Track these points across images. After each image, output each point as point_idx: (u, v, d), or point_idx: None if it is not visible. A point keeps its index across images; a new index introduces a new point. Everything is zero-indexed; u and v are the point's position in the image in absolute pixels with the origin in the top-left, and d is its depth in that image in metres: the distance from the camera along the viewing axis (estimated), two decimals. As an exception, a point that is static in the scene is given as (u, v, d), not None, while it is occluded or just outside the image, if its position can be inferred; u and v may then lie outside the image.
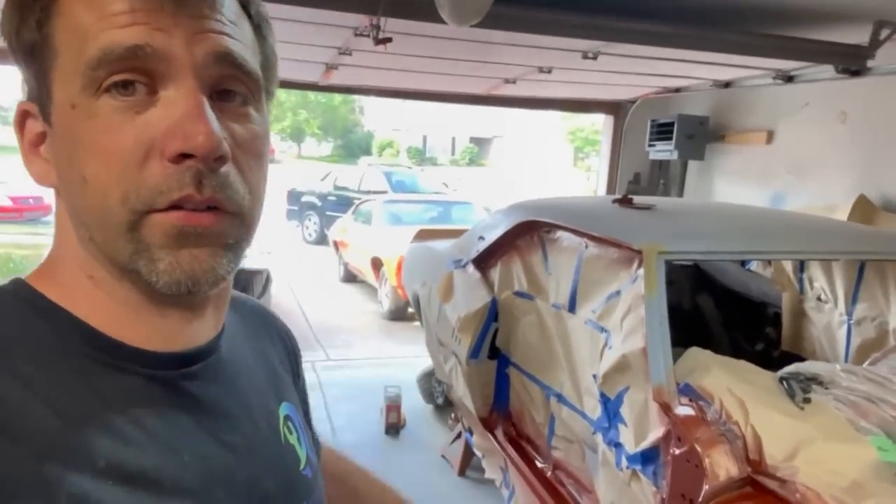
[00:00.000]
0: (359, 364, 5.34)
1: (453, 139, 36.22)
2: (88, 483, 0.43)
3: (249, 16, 0.52)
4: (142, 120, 0.45)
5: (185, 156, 0.45)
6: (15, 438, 0.42)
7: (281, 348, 0.72)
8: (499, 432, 2.75)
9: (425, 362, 4.10)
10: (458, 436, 3.55)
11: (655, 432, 1.73)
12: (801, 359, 2.97)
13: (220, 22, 0.48)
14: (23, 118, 0.50)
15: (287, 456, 0.61)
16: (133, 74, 0.45)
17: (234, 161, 0.48)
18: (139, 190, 0.45)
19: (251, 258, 5.71)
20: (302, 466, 0.62)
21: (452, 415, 3.89)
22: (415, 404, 4.25)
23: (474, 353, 2.61)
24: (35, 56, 0.47)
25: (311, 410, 0.76)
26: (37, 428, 0.43)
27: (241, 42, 0.49)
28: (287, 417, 0.63)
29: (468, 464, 3.48)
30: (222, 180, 0.46)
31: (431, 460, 3.68)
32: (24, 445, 0.42)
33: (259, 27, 0.53)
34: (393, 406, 3.95)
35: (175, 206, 0.45)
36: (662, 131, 4.93)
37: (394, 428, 3.95)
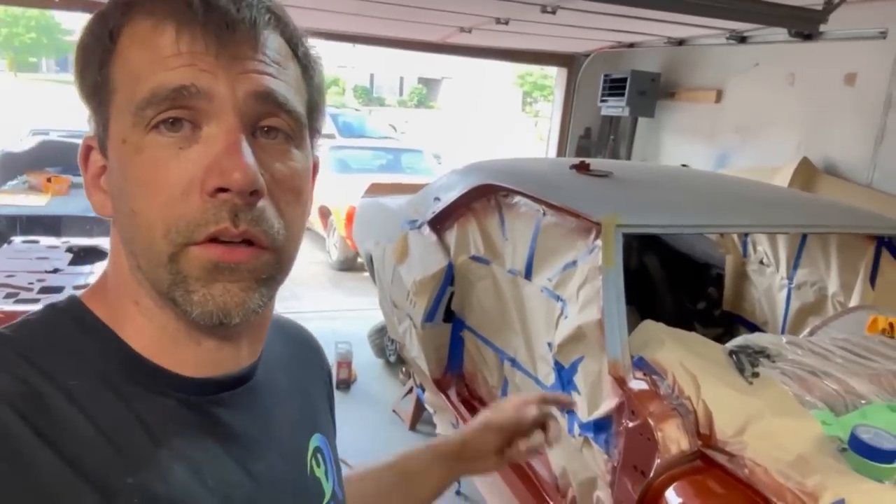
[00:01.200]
0: (308, 317, 5.27)
1: (401, 79, 35.43)
2: (115, 498, 0.44)
3: (297, 56, 0.54)
4: (185, 156, 0.48)
5: (221, 190, 0.47)
6: (55, 449, 0.44)
7: (319, 374, 0.74)
8: (451, 392, 2.78)
9: (376, 316, 4.08)
10: (410, 391, 3.58)
11: (608, 402, 1.76)
12: (741, 319, 3.11)
13: (263, 62, 0.50)
14: (87, 152, 0.54)
15: (312, 489, 0.62)
16: (179, 112, 0.47)
17: (271, 197, 0.50)
18: (179, 223, 0.47)
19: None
20: (325, 501, 0.63)
21: (403, 370, 3.91)
22: (366, 359, 4.25)
23: (429, 316, 2.60)
24: (96, 94, 0.51)
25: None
26: (76, 441, 0.45)
27: (283, 81, 0.51)
28: (317, 449, 0.65)
29: (419, 419, 3.53)
30: (258, 215, 0.48)
31: (383, 415, 3.71)
32: (62, 457, 0.44)
33: (306, 68, 0.55)
34: (344, 362, 3.94)
35: (213, 240, 0.48)
36: (615, 87, 4.92)
37: (344, 383, 3.95)
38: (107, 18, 0.50)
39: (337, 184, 6.92)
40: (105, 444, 0.46)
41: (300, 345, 0.72)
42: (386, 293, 3.05)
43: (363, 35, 5.21)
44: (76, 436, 0.45)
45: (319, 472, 0.64)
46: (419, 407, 3.42)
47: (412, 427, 3.54)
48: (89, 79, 0.51)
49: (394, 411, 3.71)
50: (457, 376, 2.75)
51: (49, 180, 4.99)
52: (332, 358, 4.00)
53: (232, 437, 0.54)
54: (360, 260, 5.58)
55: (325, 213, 7.02)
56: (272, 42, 0.51)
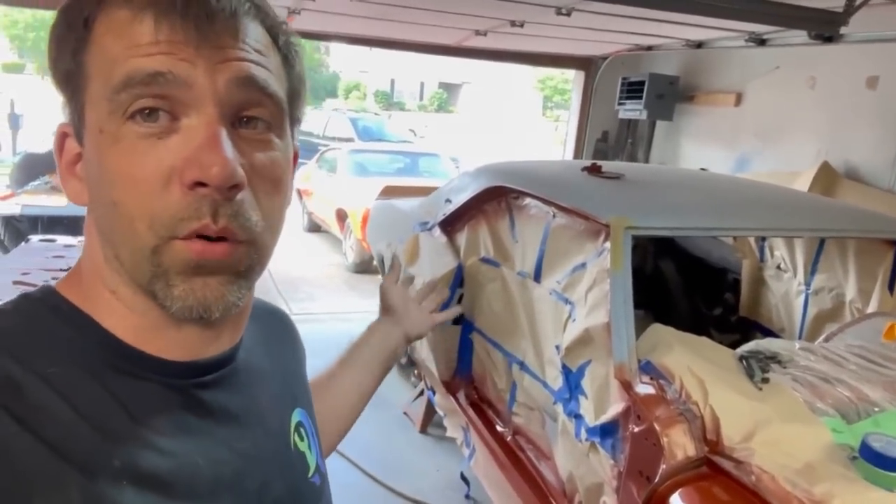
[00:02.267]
0: (322, 318, 5.29)
1: (422, 84, 35.52)
2: (103, 483, 0.44)
3: (278, 45, 0.54)
4: (163, 146, 0.47)
5: (200, 184, 0.46)
6: (37, 435, 0.43)
7: (294, 350, 0.76)
8: (461, 395, 2.76)
9: (389, 319, 4.08)
10: (421, 393, 3.57)
11: (615, 408, 1.74)
12: (758, 325, 3.05)
13: (244, 51, 0.49)
14: (62, 139, 0.53)
15: (297, 463, 0.63)
16: (155, 101, 0.47)
17: (251, 187, 0.50)
18: (162, 216, 0.47)
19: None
20: (311, 474, 0.65)
21: (415, 372, 3.90)
22: (378, 361, 4.24)
23: (438, 318, 2.58)
24: (70, 82, 0.50)
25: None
26: (57, 426, 0.45)
27: (264, 68, 0.51)
28: (299, 424, 0.66)
29: (430, 421, 3.51)
30: (236, 209, 0.48)
31: (393, 417, 3.70)
32: (44, 442, 0.43)
33: (287, 56, 0.55)
34: (356, 364, 3.93)
35: (195, 235, 0.48)
36: (633, 90, 4.88)
37: (356, 385, 3.94)
38: (81, 5, 0.49)
39: (354, 187, 6.95)
40: (88, 429, 0.46)
41: (274, 323, 0.73)
42: (397, 295, 3.04)
43: (381, 39, 5.23)
44: (57, 421, 0.45)
45: (303, 446, 0.65)
46: (430, 409, 3.41)
47: (422, 430, 3.53)
48: (62, 66, 0.50)
49: (405, 414, 3.70)
50: (466, 379, 2.73)
51: (70, 181, 5.07)
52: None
53: (216, 417, 0.55)
54: (375, 263, 5.59)
55: (341, 216, 7.04)
56: (252, 31, 0.50)
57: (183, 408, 0.52)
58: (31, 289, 0.54)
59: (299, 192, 8.74)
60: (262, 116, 0.51)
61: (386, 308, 1.19)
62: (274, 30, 0.53)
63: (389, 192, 3.92)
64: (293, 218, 8.87)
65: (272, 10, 0.54)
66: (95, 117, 0.48)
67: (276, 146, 0.52)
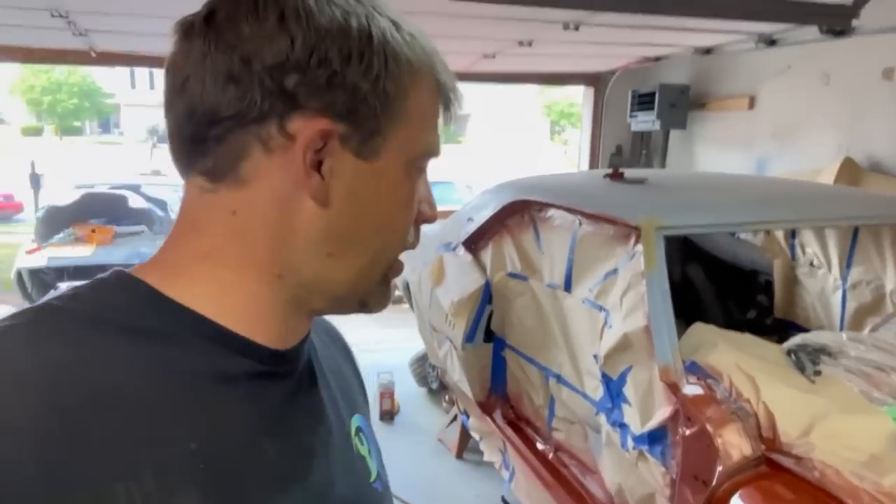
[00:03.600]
0: (348, 351, 5.26)
1: (428, 117, 35.84)
2: (177, 465, 0.44)
3: None
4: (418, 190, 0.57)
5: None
6: (119, 418, 0.43)
7: (350, 365, 0.74)
8: (497, 415, 2.71)
9: (417, 346, 4.05)
10: (454, 419, 3.51)
11: (662, 412, 1.69)
12: (795, 325, 2.97)
13: None
14: (325, 135, 0.49)
15: (359, 466, 0.62)
16: None
17: None
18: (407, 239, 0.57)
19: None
20: (373, 479, 0.64)
21: (447, 397, 3.85)
22: (408, 389, 4.20)
23: (469, 337, 2.55)
24: (385, 100, 0.50)
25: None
26: (139, 407, 0.45)
27: None
28: (359, 429, 0.65)
29: (465, 446, 3.45)
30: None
31: (428, 444, 3.64)
32: (125, 425, 0.43)
33: None
34: (386, 392, 3.90)
35: None
36: (643, 102, 4.86)
37: (388, 414, 3.90)
38: (423, 50, 0.54)
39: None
40: (167, 408, 0.46)
41: (326, 332, 0.72)
42: (424, 318, 3.02)
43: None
44: (139, 402, 0.45)
45: (364, 451, 0.64)
46: (465, 434, 3.35)
47: (459, 455, 3.46)
48: (387, 83, 0.50)
49: (439, 440, 3.64)
50: (501, 398, 2.68)
51: (93, 231, 5.15)
52: (374, 389, 3.96)
53: (289, 408, 0.54)
54: (397, 293, 5.58)
55: (360, 249, 7.06)
56: None
57: (262, 394, 0.52)
58: None
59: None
60: None
61: None
62: None
63: (409, 218, 3.92)
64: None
65: None
66: (403, 152, 0.53)
67: None
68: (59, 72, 32.43)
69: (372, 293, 0.56)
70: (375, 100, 0.49)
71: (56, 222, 5.39)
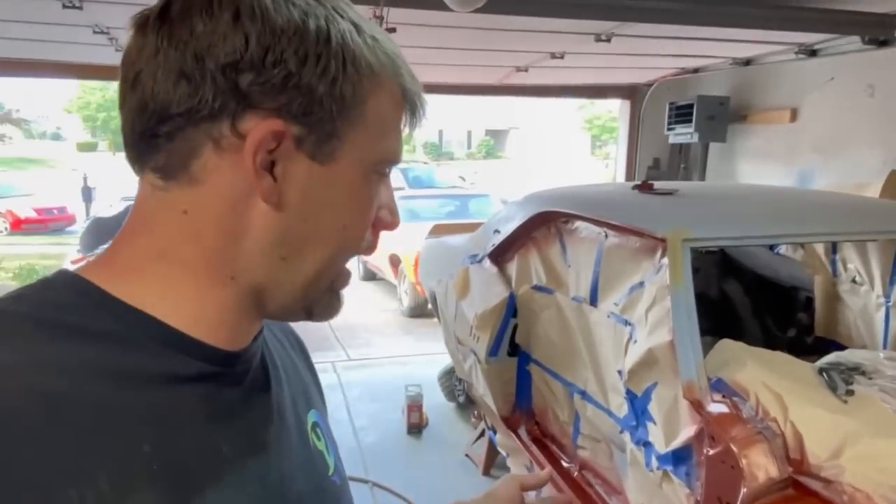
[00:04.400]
0: (379, 363, 5.28)
1: (469, 132, 36.06)
2: (131, 466, 0.44)
3: None
4: (379, 193, 0.56)
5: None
6: (70, 421, 0.43)
7: (299, 352, 0.73)
8: (522, 431, 2.67)
9: (446, 360, 4.03)
10: (482, 434, 3.47)
11: (687, 431, 1.63)
12: (836, 344, 2.85)
13: None
14: (279, 136, 0.48)
15: (316, 460, 0.62)
16: None
17: None
18: (361, 244, 0.56)
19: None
20: (331, 472, 0.64)
21: (475, 412, 3.81)
22: (437, 403, 4.17)
23: (493, 350, 2.52)
24: (342, 105, 0.50)
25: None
26: (89, 408, 0.44)
27: None
28: (315, 424, 0.65)
29: (493, 463, 3.40)
30: None
31: (456, 460, 3.60)
32: (77, 428, 0.43)
33: None
34: (415, 405, 3.88)
35: None
36: (681, 114, 4.78)
37: (416, 428, 3.88)
38: (386, 55, 0.53)
39: (406, 232, 6.98)
40: (120, 411, 0.45)
41: (277, 326, 0.71)
42: (450, 330, 3.00)
43: (423, 84, 5.34)
44: (89, 403, 0.45)
45: (321, 446, 0.64)
46: (492, 450, 3.30)
47: (486, 472, 3.42)
48: (345, 86, 0.49)
49: (466, 455, 3.60)
50: (526, 413, 2.64)
51: (135, 242, 5.28)
52: (402, 402, 3.95)
53: (242, 406, 0.54)
54: (429, 306, 5.58)
55: (395, 262, 7.09)
56: None
57: (213, 395, 0.52)
58: None
59: (354, 242, 8.85)
60: None
61: (491, 497, 0.85)
62: None
63: (439, 230, 3.93)
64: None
65: None
66: (359, 156, 0.53)
67: None
68: (114, 89, 33.63)
69: (319, 301, 0.55)
70: (332, 102, 0.49)
71: (100, 233, 5.57)
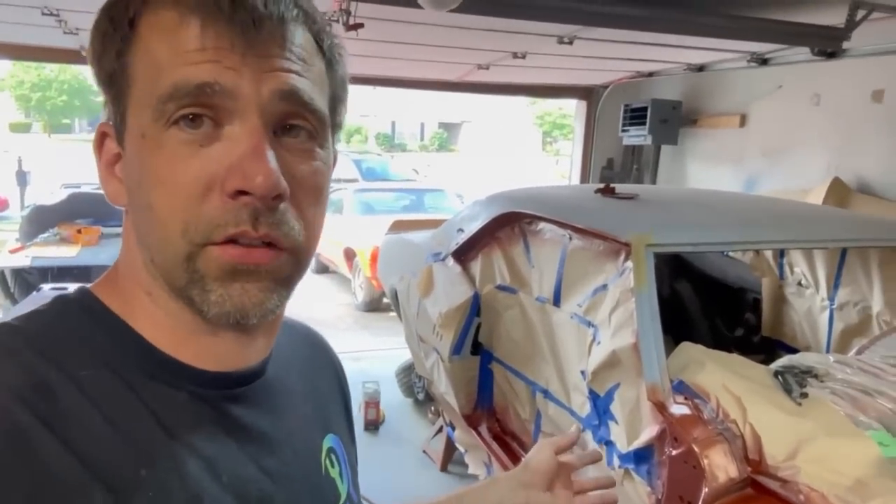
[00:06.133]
0: (334, 358, 5.23)
1: (422, 125, 35.99)
2: (128, 492, 0.43)
3: (322, 50, 0.53)
4: (205, 154, 0.46)
5: (242, 192, 0.46)
6: (65, 441, 0.43)
7: (333, 380, 0.72)
8: (483, 428, 2.69)
9: (403, 355, 4.02)
10: (440, 430, 3.49)
11: (649, 431, 1.68)
12: (782, 344, 2.98)
13: (289, 60, 0.48)
14: (102, 138, 0.52)
15: (326, 489, 0.61)
16: (200, 109, 0.46)
17: (292, 197, 0.49)
18: (198, 222, 0.46)
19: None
20: (341, 502, 0.62)
21: (433, 408, 3.82)
22: (393, 398, 4.17)
23: (457, 349, 2.54)
24: (113, 83, 0.49)
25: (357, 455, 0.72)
26: (86, 433, 0.44)
27: (308, 79, 0.50)
28: (331, 450, 0.63)
29: (450, 458, 3.42)
30: (279, 218, 0.48)
31: (413, 456, 3.61)
32: (72, 450, 0.43)
33: (331, 61, 0.53)
34: (371, 402, 3.87)
35: (230, 240, 0.47)
36: (636, 116, 4.89)
37: (373, 424, 3.87)
38: (126, 4, 0.48)
39: (361, 225, 6.96)
40: (117, 437, 0.45)
41: (310, 346, 0.71)
42: (412, 328, 3.00)
43: (383, 77, 5.29)
44: (87, 429, 0.44)
45: (334, 473, 0.62)
46: (450, 446, 3.32)
47: (443, 468, 3.44)
48: (107, 66, 0.49)
49: (424, 452, 3.61)
50: (487, 411, 2.67)
51: (79, 231, 5.08)
52: (359, 398, 3.93)
53: (245, 432, 0.53)
54: (385, 300, 5.55)
55: (350, 255, 7.03)
56: (299, 38, 0.49)
57: (212, 421, 0.51)
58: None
59: (305, 234, 8.75)
60: (305, 127, 0.50)
61: (528, 468, 0.85)
62: (320, 35, 0.52)
63: (399, 226, 3.91)
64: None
65: (319, 15, 0.53)
66: (138, 122, 0.48)
67: (317, 156, 0.51)
68: (50, 69, 32.26)
69: (189, 286, 0.48)
70: (119, 79, 0.49)
71: (42, 222, 5.33)
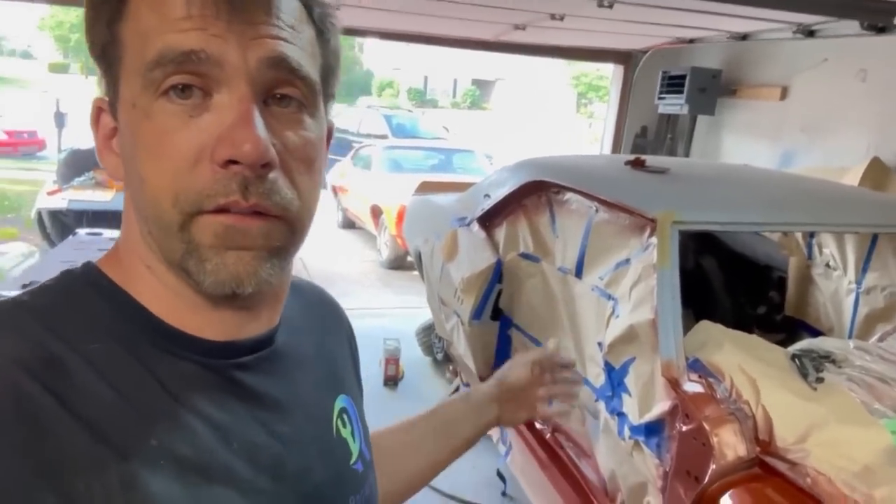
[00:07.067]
0: (358, 314, 5.29)
1: (455, 81, 35.49)
2: (140, 463, 0.44)
3: (312, 19, 0.52)
4: (195, 124, 0.46)
5: (232, 162, 0.46)
6: (76, 414, 0.43)
7: (344, 339, 0.73)
8: (499, 392, 2.74)
9: (424, 313, 4.08)
10: (457, 389, 3.56)
11: (661, 405, 1.70)
12: (804, 324, 2.96)
13: (277, 27, 0.48)
14: (98, 113, 0.53)
15: (338, 449, 0.62)
16: (189, 78, 0.46)
17: (284, 167, 0.49)
18: (188, 192, 0.46)
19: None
20: (353, 461, 0.63)
21: (451, 368, 3.89)
22: (413, 356, 4.25)
23: (477, 314, 2.57)
24: (106, 54, 0.49)
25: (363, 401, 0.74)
26: (97, 405, 0.45)
27: (297, 47, 0.49)
28: (343, 410, 0.64)
29: (466, 418, 3.49)
30: (269, 186, 0.47)
31: (429, 413, 3.69)
32: (84, 422, 0.43)
33: (321, 31, 0.53)
34: (392, 359, 3.95)
35: (222, 210, 0.47)
36: (673, 84, 4.77)
37: (392, 380, 3.96)
38: None
39: (389, 183, 6.98)
40: (127, 408, 0.46)
41: (319, 306, 0.71)
42: (434, 290, 3.04)
43: (417, 34, 5.22)
44: (96, 400, 0.45)
45: (346, 433, 0.63)
46: (466, 406, 3.39)
47: (459, 426, 3.51)
48: (99, 37, 0.50)
49: (440, 409, 3.69)
50: (504, 375, 2.71)
51: (114, 176, 5.19)
52: (380, 354, 4.02)
53: (255, 399, 0.54)
54: (409, 259, 5.59)
55: (376, 212, 7.07)
56: (287, 5, 0.49)
57: (221, 389, 0.52)
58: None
59: (334, 189, 8.82)
60: (294, 96, 0.50)
61: (502, 383, 0.92)
62: (309, 3, 0.52)
63: (426, 187, 3.92)
64: (328, 215, 8.95)
65: None
66: (129, 92, 0.48)
67: (308, 126, 0.51)
68: (89, 10, 32.21)
69: (185, 257, 0.48)
70: (110, 50, 0.49)
71: (78, 165, 5.44)
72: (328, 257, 7.09)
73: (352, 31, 5.47)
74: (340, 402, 0.65)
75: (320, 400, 0.62)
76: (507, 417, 0.92)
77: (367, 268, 6.92)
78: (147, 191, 0.48)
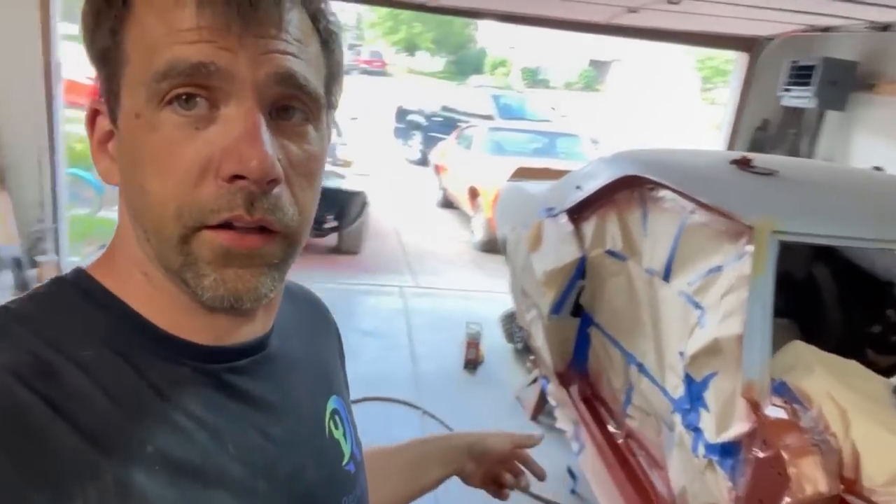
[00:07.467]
0: (445, 294, 5.37)
1: (570, 61, 34.64)
2: (136, 468, 0.45)
3: (318, 31, 0.52)
4: (201, 137, 0.46)
5: (238, 177, 0.45)
6: (71, 421, 0.44)
7: (333, 339, 0.74)
8: (573, 389, 2.68)
9: (510, 301, 4.05)
10: (535, 380, 3.52)
11: (739, 426, 1.60)
12: (924, 350, 2.68)
13: (286, 41, 0.48)
14: (94, 115, 0.53)
15: (331, 451, 0.63)
16: (195, 89, 0.46)
17: (287, 181, 0.49)
18: (192, 206, 0.46)
19: (349, 179, 5.77)
20: (345, 462, 0.64)
21: (531, 358, 3.85)
22: (495, 342, 4.24)
23: (556, 308, 2.52)
24: (107, 60, 0.49)
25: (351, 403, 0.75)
26: (91, 412, 0.45)
27: (304, 61, 0.49)
28: (334, 411, 0.65)
29: (541, 410, 3.46)
30: (273, 202, 0.47)
31: (505, 401, 3.68)
32: (79, 429, 0.44)
33: (326, 42, 0.53)
34: (473, 343, 3.95)
35: (225, 225, 0.47)
36: (801, 75, 4.40)
37: (472, 364, 3.97)
38: None
39: (488, 165, 6.93)
40: (121, 414, 0.46)
41: (308, 308, 0.72)
42: (517, 279, 3.00)
43: (529, 16, 5.10)
44: (90, 406, 0.45)
45: (338, 434, 0.64)
46: (542, 398, 3.35)
47: (533, 417, 3.48)
48: (100, 43, 0.49)
49: (517, 398, 3.67)
50: (580, 373, 2.65)
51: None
52: (461, 337, 4.04)
53: (249, 403, 0.54)
54: (500, 244, 5.57)
55: (473, 194, 7.07)
56: (295, 18, 0.49)
57: (216, 393, 0.52)
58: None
59: (436, 168, 8.87)
60: (300, 108, 0.49)
61: (482, 442, 0.93)
62: (316, 15, 0.51)
63: (522, 173, 3.86)
64: (428, 193, 9.04)
65: None
66: (132, 101, 0.47)
67: (311, 139, 0.51)
68: None
69: (183, 269, 0.48)
70: (112, 56, 0.49)
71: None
72: (424, 235, 7.18)
73: (464, 13, 5.42)
74: (332, 403, 0.65)
75: (313, 402, 0.63)
76: (466, 472, 0.94)
77: (460, 248, 6.94)
78: (149, 202, 0.48)
